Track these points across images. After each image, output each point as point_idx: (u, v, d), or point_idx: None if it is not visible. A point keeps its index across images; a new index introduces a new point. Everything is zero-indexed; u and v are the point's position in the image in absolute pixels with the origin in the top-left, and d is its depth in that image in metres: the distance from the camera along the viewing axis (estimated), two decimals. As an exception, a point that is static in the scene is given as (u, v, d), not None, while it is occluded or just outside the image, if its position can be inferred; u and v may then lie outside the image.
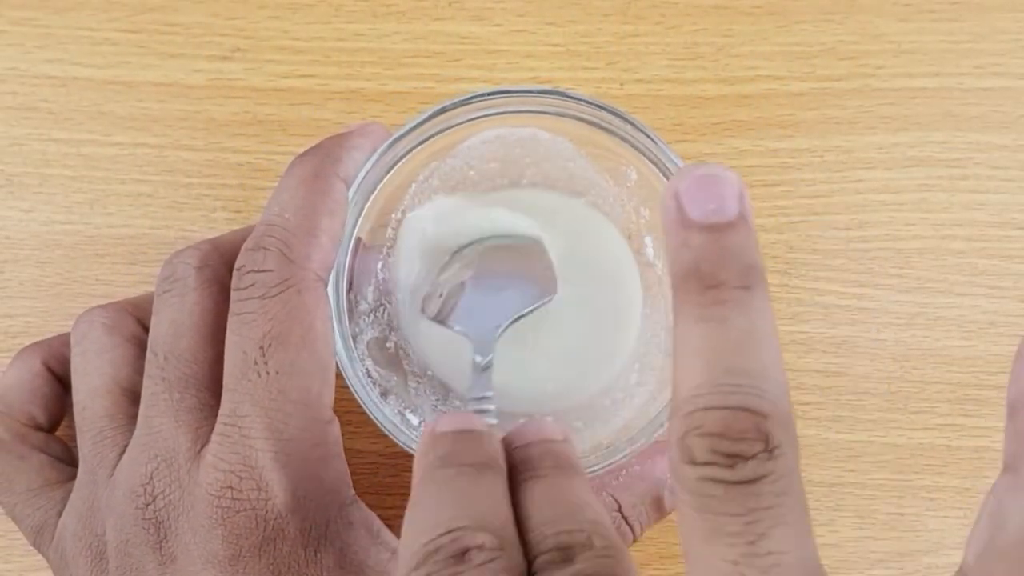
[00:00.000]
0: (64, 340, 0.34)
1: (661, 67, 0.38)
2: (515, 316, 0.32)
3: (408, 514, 0.22)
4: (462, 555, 0.20)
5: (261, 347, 0.27)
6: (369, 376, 0.32)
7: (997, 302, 0.37)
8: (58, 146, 0.38)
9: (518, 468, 0.23)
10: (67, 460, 0.33)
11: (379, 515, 0.30)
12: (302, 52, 0.38)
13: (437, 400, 0.34)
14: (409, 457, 0.35)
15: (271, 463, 0.27)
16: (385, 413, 0.30)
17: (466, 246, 0.34)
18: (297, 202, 0.29)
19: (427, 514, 0.21)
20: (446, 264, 0.33)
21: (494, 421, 0.29)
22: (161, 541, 0.28)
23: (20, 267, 0.37)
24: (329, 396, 0.29)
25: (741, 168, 0.38)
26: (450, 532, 0.20)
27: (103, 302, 0.33)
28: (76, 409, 0.31)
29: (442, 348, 0.34)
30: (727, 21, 0.39)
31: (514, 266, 0.33)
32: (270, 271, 0.28)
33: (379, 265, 0.34)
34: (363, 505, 0.29)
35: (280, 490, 0.27)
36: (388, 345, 0.34)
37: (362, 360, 0.32)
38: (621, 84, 0.38)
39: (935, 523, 0.36)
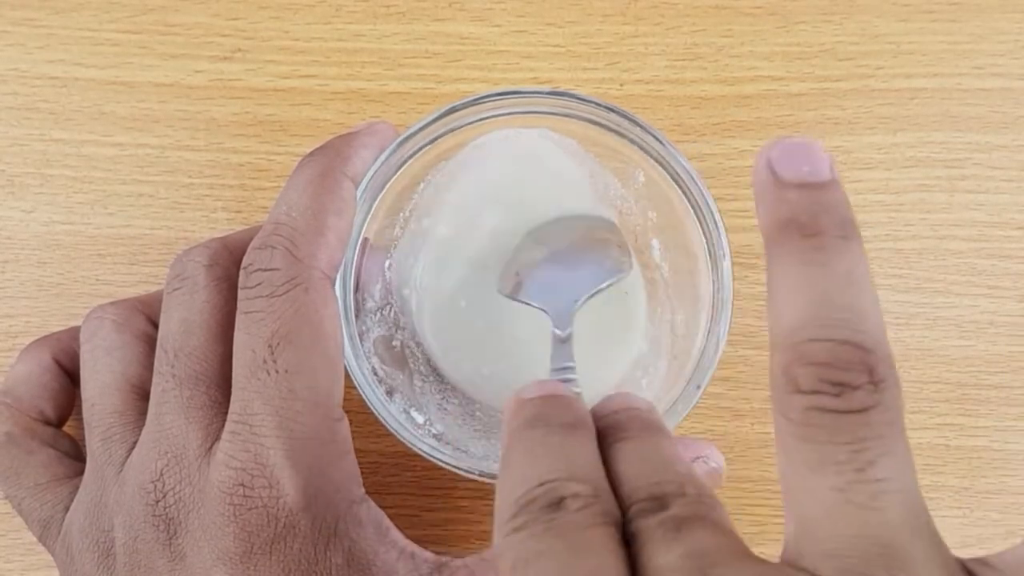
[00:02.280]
0: (73, 334, 0.34)
1: (661, 68, 0.38)
2: (593, 291, 0.32)
3: (500, 477, 0.22)
4: (558, 503, 0.20)
5: (270, 346, 0.27)
6: (375, 374, 0.32)
7: (996, 302, 0.37)
8: (59, 146, 0.38)
9: (605, 433, 0.23)
10: (75, 456, 0.33)
11: (380, 514, 0.30)
12: (303, 53, 0.38)
13: (443, 399, 0.34)
14: (412, 457, 0.35)
15: (282, 461, 0.27)
16: (391, 411, 0.30)
17: (540, 226, 0.34)
18: (304, 201, 0.29)
19: (519, 470, 0.21)
20: (520, 244, 0.34)
21: (578, 391, 0.29)
22: (171, 538, 0.28)
23: (21, 267, 0.37)
24: (339, 394, 0.29)
25: (741, 168, 0.38)
26: (544, 484, 0.20)
27: (104, 302, 0.33)
28: (85, 405, 0.31)
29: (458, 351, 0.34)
30: (727, 22, 0.39)
31: (589, 242, 0.33)
32: (277, 270, 0.28)
33: (386, 264, 0.34)
34: (373, 503, 0.29)
35: (291, 488, 0.27)
36: (394, 344, 0.34)
37: (368, 358, 0.32)
38: (621, 85, 0.38)
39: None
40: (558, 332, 0.31)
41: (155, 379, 0.30)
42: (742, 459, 0.36)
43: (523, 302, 0.32)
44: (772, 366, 0.20)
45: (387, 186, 0.32)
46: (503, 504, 0.21)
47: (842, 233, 0.20)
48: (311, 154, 0.31)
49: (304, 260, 0.28)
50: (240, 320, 0.28)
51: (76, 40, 0.38)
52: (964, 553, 0.19)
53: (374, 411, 0.30)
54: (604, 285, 0.32)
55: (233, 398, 0.28)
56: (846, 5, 0.39)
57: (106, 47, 0.38)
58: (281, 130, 0.38)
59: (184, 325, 0.30)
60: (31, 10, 0.39)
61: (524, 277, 0.32)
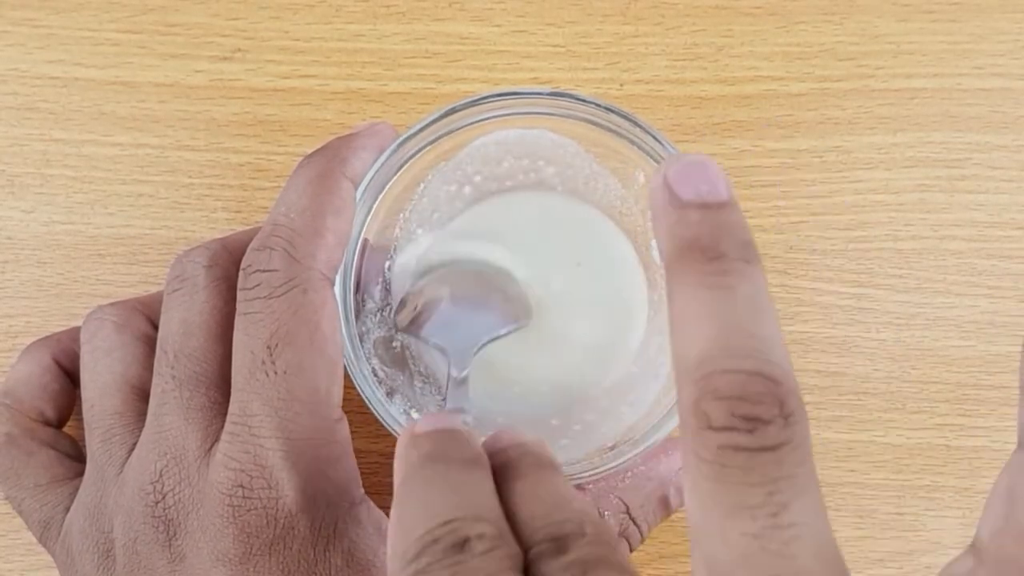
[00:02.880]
0: (73, 335, 0.34)
1: (661, 68, 0.38)
2: (493, 336, 0.32)
3: (395, 513, 0.21)
4: (463, 544, 0.19)
5: (268, 347, 0.27)
6: (375, 375, 0.32)
7: (996, 302, 0.37)
8: (59, 146, 0.38)
9: (499, 471, 0.23)
10: (75, 456, 0.33)
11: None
12: (303, 53, 0.38)
13: (443, 400, 0.34)
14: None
15: (281, 462, 0.27)
16: (391, 412, 0.30)
17: (439, 265, 0.34)
18: (303, 202, 0.29)
19: (418, 509, 0.21)
20: (418, 281, 0.34)
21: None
22: (171, 539, 0.28)
23: (21, 267, 0.37)
24: (338, 395, 0.29)
25: (740, 168, 0.38)
26: (448, 523, 0.20)
27: (104, 302, 0.33)
28: (85, 406, 0.31)
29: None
30: (727, 22, 0.39)
31: (488, 289, 0.34)
32: (275, 271, 0.28)
33: (386, 265, 0.34)
34: (372, 504, 0.29)
35: (291, 489, 0.27)
36: (394, 344, 0.34)
37: (368, 359, 0.32)
38: (621, 85, 0.38)
39: (934, 523, 0.36)
40: (455, 373, 0.31)
41: (155, 380, 0.30)
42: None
43: (421, 339, 0.32)
44: (681, 400, 0.19)
45: (387, 187, 0.32)
46: (401, 542, 0.20)
47: (744, 256, 0.20)
48: (310, 155, 0.30)
49: (302, 261, 0.28)
50: (239, 321, 0.28)
51: (76, 40, 0.38)
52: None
53: (374, 411, 0.30)
54: (504, 332, 0.32)
55: (232, 399, 0.28)
56: (846, 5, 0.39)
57: (106, 47, 0.38)
58: (281, 130, 0.38)
59: (184, 326, 0.30)
60: (31, 10, 0.39)
61: (425, 313, 0.33)
